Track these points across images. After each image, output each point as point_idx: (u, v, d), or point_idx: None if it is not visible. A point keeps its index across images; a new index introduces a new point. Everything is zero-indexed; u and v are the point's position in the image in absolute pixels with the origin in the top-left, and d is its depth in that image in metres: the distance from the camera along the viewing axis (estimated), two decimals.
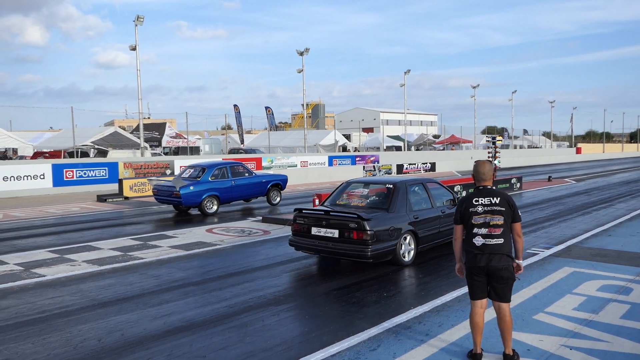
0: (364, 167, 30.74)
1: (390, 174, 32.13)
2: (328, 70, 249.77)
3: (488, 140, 24.00)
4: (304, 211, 7.83)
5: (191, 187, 13.70)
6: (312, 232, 7.53)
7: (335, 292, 6.68)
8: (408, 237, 7.88)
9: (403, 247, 7.79)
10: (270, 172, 21.01)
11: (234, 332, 5.26)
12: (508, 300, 4.34)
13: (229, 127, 53.81)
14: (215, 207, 14.14)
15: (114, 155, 29.60)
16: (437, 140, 60.50)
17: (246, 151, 39.08)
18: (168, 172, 22.39)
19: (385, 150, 48.71)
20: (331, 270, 7.88)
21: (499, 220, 4.28)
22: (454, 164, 37.51)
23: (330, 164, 33.02)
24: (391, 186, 8.22)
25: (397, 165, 33.64)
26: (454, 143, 55.38)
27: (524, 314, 5.59)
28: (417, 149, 54.04)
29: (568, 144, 74.48)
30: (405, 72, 43.84)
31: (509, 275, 4.28)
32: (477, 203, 4.36)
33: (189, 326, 5.44)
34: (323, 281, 7.27)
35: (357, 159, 35.17)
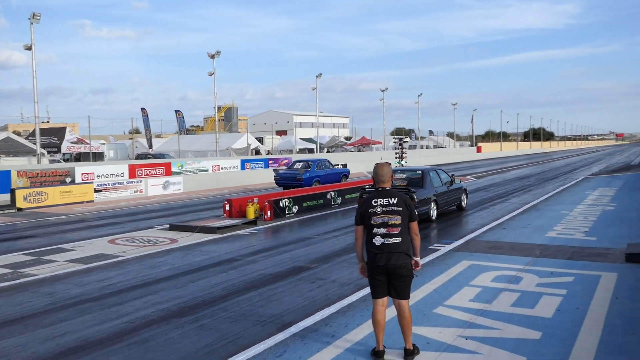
0: (274, 169, 30.65)
1: None
2: (242, 73, 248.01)
3: (395, 142, 24.87)
4: (366, 189, 11.95)
5: (308, 174, 20.99)
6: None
7: (243, 300, 6.56)
8: (433, 204, 12.06)
9: (431, 211, 12.01)
10: (337, 166, 25.14)
11: (134, 348, 5.00)
12: (407, 297, 4.46)
13: (137, 131, 51.68)
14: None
15: (5, 163, 27.36)
16: (348, 142, 61.81)
17: (154, 156, 37.61)
18: (68, 179, 21.04)
19: (298, 152, 48.99)
20: (238, 279, 7.75)
21: (397, 220, 4.40)
22: (364, 165, 38.44)
23: (243, 167, 32.65)
24: (421, 172, 12.78)
25: None
26: (364, 144, 56.83)
27: (425, 309, 5.80)
28: (329, 151, 54.90)
29: (470, 143, 78.89)
30: (317, 76, 44.34)
31: (408, 273, 4.41)
32: (376, 204, 4.47)
33: (85, 346, 5.10)
34: (231, 288, 7.13)
35: (270, 162, 35.05)
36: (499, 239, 10.04)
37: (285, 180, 21.21)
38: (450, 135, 76.79)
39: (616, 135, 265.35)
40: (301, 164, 22.12)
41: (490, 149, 74.48)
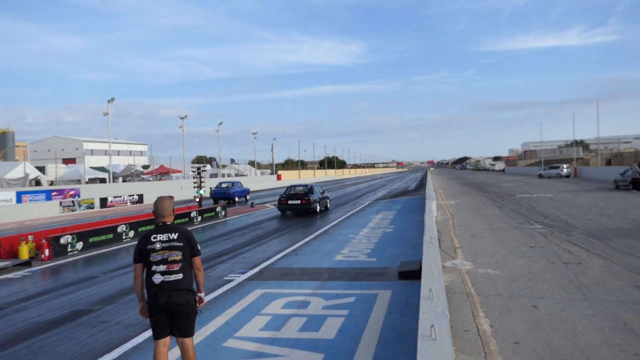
0: (60, 202, 27.89)
1: (93, 208, 29.91)
2: (20, 94, 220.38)
3: (194, 171, 24.47)
4: (285, 195, 20.82)
5: (232, 190, 30.60)
6: (289, 202, 20.30)
7: (6, 356, 5.71)
8: (319, 204, 20.68)
9: (317, 207, 20.45)
10: (244, 186, 36.12)
11: None
12: (191, 335, 4.36)
13: None
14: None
15: None
16: (146, 170, 58.98)
17: None
18: None
19: (87, 182, 45.11)
20: (2, 332, 6.73)
21: (177, 255, 4.29)
22: (161, 195, 37.06)
23: (20, 200, 28.84)
24: (310, 185, 21.94)
25: (101, 198, 31.53)
26: (163, 173, 54.85)
27: (215, 343, 5.73)
28: (125, 180, 51.67)
29: (270, 171, 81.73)
30: (109, 100, 41.57)
31: (191, 310, 4.32)
32: (155, 240, 4.31)
33: None
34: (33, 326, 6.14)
35: (54, 193, 31.58)
36: (291, 265, 10.46)
37: (219, 195, 31.74)
38: (252, 163, 78.67)
39: (397, 163, 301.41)
40: (227, 184, 33.49)
41: (290, 177, 78.07)
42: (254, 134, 71.64)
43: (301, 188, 22.48)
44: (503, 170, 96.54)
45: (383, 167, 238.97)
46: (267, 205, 29.08)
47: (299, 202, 21.20)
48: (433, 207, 16.79)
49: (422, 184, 47.54)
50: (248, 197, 34.86)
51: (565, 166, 54.29)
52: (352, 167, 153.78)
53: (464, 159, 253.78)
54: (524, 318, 6.02)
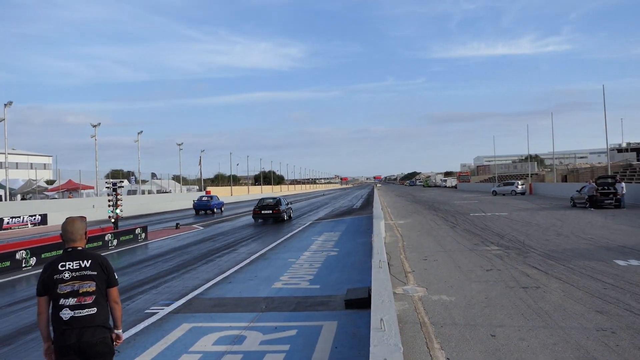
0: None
1: None
2: None
3: (108, 187, 23.75)
4: (258, 207, 29.18)
5: (212, 202, 41.88)
6: (262, 212, 28.63)
7: None
8: (286, 214, 29.48)
9: (285, 216, 29.24)
10: (220, 199, 46.97)
11: None
12: None
13: None
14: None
15: None
16: (50, 186, 56.64)
17: None
18: None
19: None
20: None
21: (90, 286, 4.11)
22: (71, 215, 35.73)
23: None
24: (277, 198, 31.04)
25: None
26: (72, 190, 52.86)
27: None
28: (24, 198, 49.41)
29: (198, 187, 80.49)
30: (5, 104, 39.77)
31: (107, 350, 4.13)
32: (64, 268, 4.11)
33: None
34: None
35: None
36: (224, 295, 10.30)
37: (200, 207, 42.44)
38: (177, 178, 77.21)
39: (341, 179, 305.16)
40: (207, 198, 44.44)
41: (221, 194, 77.08)
42: (179, 145, 70.52)
43: (271, 200, 30.66)
44: (455, 187, 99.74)
45: (325, 183, 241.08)
46: (194, 226, 28.58)
47: (270, 211, 29.11)
48: (381, 228, 17.04)
49: (368, 202, 48.28)
50: (223, 209, 44.28)
51: (520, 182, 56.78)
52: (290, 183, 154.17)
53: (414, 174, 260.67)
54: (482, 349, 6.17)
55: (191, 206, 45.04)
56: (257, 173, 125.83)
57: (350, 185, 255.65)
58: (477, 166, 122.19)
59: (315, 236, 20.97)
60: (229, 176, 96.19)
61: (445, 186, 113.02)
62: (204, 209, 42.20)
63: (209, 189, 77.65)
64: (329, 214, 36.58)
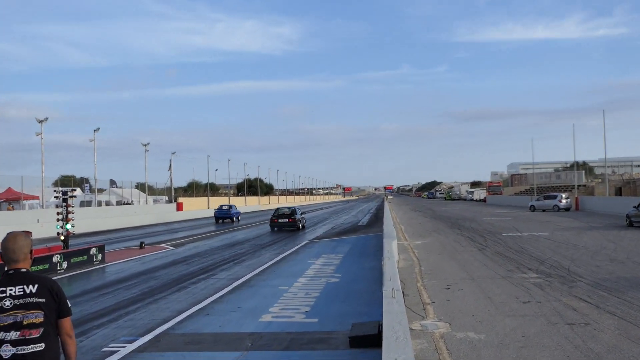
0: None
1: None
2: None
3: (57, 197, 23.74)
4: (275, 215, 39.52)
5: (232, 211, 56.11)
6: (279, 221, 38.58)
7: None
8: (300, 223, 39.25)
9: (300, 224, 38.96)
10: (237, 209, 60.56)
11: None
12: None
13: None
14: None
15: None
16: None
17: None
18: None
19: None
20: None
21: (38, 317, 4.09)
22: (12, 230, 35.66)
23: None
24: (292, 207, 42.88)
25: None
26: (12, 200, 52.88)
27: None
28: None
29: (167, 198, 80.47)
30: None
31: None
32: (4, 295, 4.08)
33: None
34: None
35: None
36: (199, 330, 10.29)
37: (221, 216, 54.36)
38: (141, 187, 77.19)
39: (344, 189, 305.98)
40: (227, 207, 57.23)
41: (195, 206, 77.08)
42: (145, 145, 70.53)
43: (286, 210, 40.99)
44: (484, 200, 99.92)
45: (325, 195, 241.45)
46: (163, 245, 28.56)
47: (286, 220, 38.76)
48: (394, 249, 17.02)
49: (377, 218, 48.31)
50: (240, 218, 56.31)
51: (564, 196, 56.83)
52: (281, 194, 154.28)
53: (433, 184, 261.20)
54: None
55: (157, 222, 45.26)
56: (240, 181, 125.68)
57: (355, 197, 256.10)
58: (512, 175, 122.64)
59: (313, 259, 20.94)
60: (206, 184, 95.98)
61: (472, 199, 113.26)
62: (224, 217, 54.72)
63: (180, 200, 77.61)
64: (329, 231, 36.63)
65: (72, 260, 20.19)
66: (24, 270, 4.23)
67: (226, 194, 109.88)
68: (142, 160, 69.97)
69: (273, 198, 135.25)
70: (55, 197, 26.14)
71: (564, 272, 14.93)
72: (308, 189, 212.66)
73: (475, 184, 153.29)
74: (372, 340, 8.44)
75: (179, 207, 70.47)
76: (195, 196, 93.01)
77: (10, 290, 4.11)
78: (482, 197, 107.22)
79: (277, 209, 41.78)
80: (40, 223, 38.43)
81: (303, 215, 41.95)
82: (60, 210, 22.45)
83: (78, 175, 77.82)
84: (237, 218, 55.81)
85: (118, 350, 8.96)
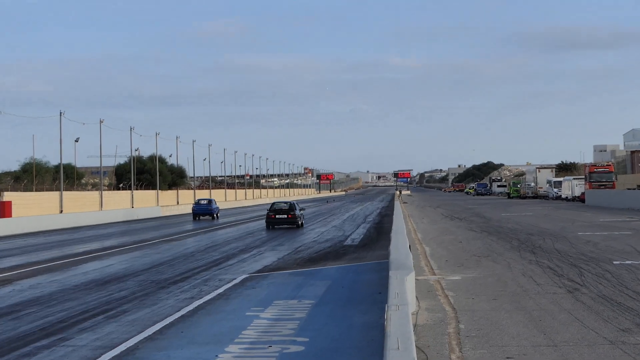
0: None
1: None
2: None
3: None
4: (271, 211, 75.09)
5: (211, 206, 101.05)
6: (276, 217, 73.63)
7: None
8: (300, 218, 76.54)
9: (299, 221, 74.86)
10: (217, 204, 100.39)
11: None
12: None
13: None
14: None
15: None
16: None
17: None
18: None
19: None
20: None
21: None
22: None
23: None
24: (290, 201, 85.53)
25: None
26: None
27: None
28: None
29: None
30: None
31: None
32: None
33: None
34: None
35: None
36: None
37: (200, 212, 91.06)
38: None
39: (319, 176, 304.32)
40: (205, 201, 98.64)
41: (41, 208, 75.76)
42: None
43: (284, 204, 64.30)
44: (581, 198, 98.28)
45: (281, 188, 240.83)
46: None
47: (285, 216, 62.13)
48: (408, 290, 16.12)
49: (379, 230, 47.70)
50: (218, 215, 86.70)
51: None
52: (199, 186, 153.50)
53: (486, 168, 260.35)
54: None
55: None
56: (122, 161, 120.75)
57: (340, 192, 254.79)
58: (632, 152, 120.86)
59: (255, 308, 19.79)
60: (57, 168, 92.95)
61: (559, 196, 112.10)
62: (203, 213, 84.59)
63: (6, 196, 74.98)
64: (288, 257, 36.11)
65: None
66: None
67: (94, 186, 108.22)
68: None
69: (182, 192, 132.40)
70: None
71: None
72: (251, 176, 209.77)
73: (563, 168, 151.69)
74: None
75: (5, 211, 67.53)
76: (38, 190, 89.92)
77: None
78: (576, 192, 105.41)
79: (273, 203, 66.87)
80: None
81: (302, 212, 66.60)
82: None
83: None
84: (217, 215, 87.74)
85: None
